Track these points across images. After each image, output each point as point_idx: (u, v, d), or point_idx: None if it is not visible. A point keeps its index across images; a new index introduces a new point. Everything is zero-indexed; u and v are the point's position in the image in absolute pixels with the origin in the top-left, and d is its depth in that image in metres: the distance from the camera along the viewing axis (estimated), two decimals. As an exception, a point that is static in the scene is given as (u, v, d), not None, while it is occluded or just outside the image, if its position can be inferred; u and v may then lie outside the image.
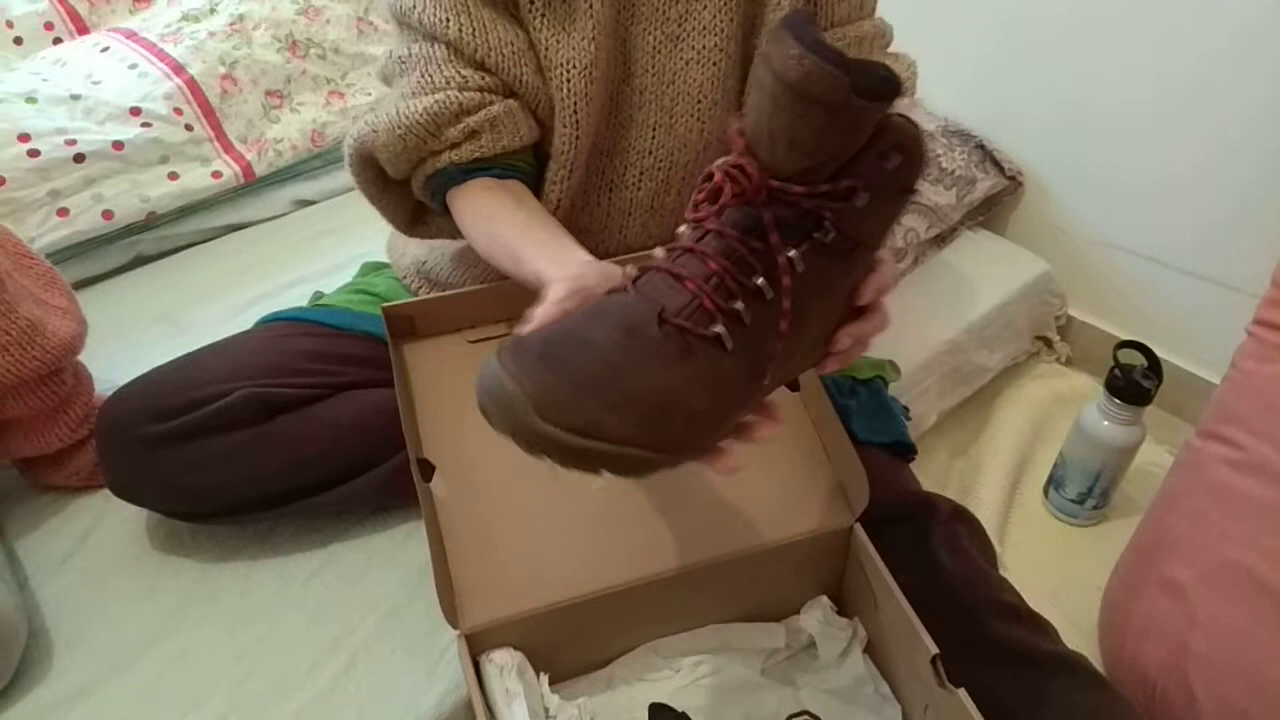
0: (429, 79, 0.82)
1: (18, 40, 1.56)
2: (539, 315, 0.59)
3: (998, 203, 1.65)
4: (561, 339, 0.51)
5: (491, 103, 0.82)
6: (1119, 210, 1.53)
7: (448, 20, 0.80)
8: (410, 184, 0.88)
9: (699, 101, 0.89)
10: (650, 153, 0.91)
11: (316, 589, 0.94)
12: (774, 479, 0.86)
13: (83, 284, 1.35)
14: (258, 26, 1.55)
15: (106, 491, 0.96)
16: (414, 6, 0.82)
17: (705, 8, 0.86)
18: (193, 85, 1.45)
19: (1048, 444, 1.50)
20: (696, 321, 0.53)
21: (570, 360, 0.49)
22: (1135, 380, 1.23)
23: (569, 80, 0.83)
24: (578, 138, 0.86)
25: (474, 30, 0.81)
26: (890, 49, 0.95)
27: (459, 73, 0.81)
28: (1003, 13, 1.53)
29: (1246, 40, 1.27)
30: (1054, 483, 1.39)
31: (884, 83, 0.49)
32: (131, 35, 1.50)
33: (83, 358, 1.01)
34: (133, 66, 1.43)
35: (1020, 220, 1.69)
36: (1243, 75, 1.29)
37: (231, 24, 1.54)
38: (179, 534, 0.99)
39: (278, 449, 0.91)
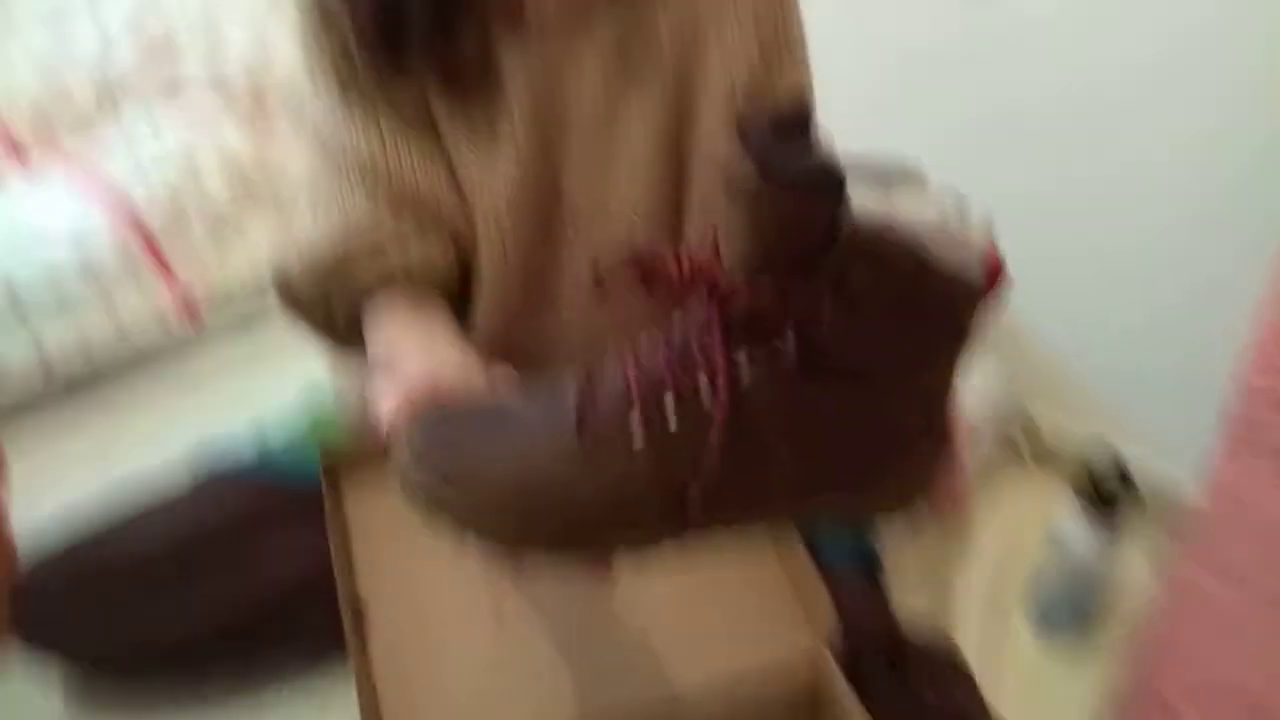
0: (343, 203, 0.81)
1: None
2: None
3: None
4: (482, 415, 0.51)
5: (405, 225, 0.81)
6: (1067, 300, 1.51)
7: (360, 144, 0.80)
8: (332, 306, 0.85)
9: (633, 216, 0.87)
10: (586, 270, 0.89)
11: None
12: (722, 604, 0.81)
13: (18, 435, 1.29)
14: (208, 162, 1.54)
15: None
16: (330, 133, 0.81)
17: (633, 120, 0.84)
18: (138, 219, 1.42)
19: (1022, 555, 1.45)
20: (614, 409, 0.49)
21: (474, 437, 0.49)
22: (1108, 489, 1.20)
23: (490, 202, 0.82)
24: (505, 259, 0.84)
25: (385, 148, 0.80)
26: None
27: (371, 197, 0.80)
28: (932, 108, 1.55)
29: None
30: (1034, 600, 1.34)
31: (812, 174, 0.45)
32: (76, 169, 1.49)
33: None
34: (76, 199, 1.41)
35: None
36: (1191, 156, 1.31)
37: (181, 158, 1.52)
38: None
39: (209, 604, 0.87)
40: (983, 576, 1.41)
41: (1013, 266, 1.45)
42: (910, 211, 0.47)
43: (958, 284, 0.48)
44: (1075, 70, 1.37)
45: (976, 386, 1.52)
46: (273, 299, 0.88)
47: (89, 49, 1.76)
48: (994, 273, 0.50)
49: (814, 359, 0.49)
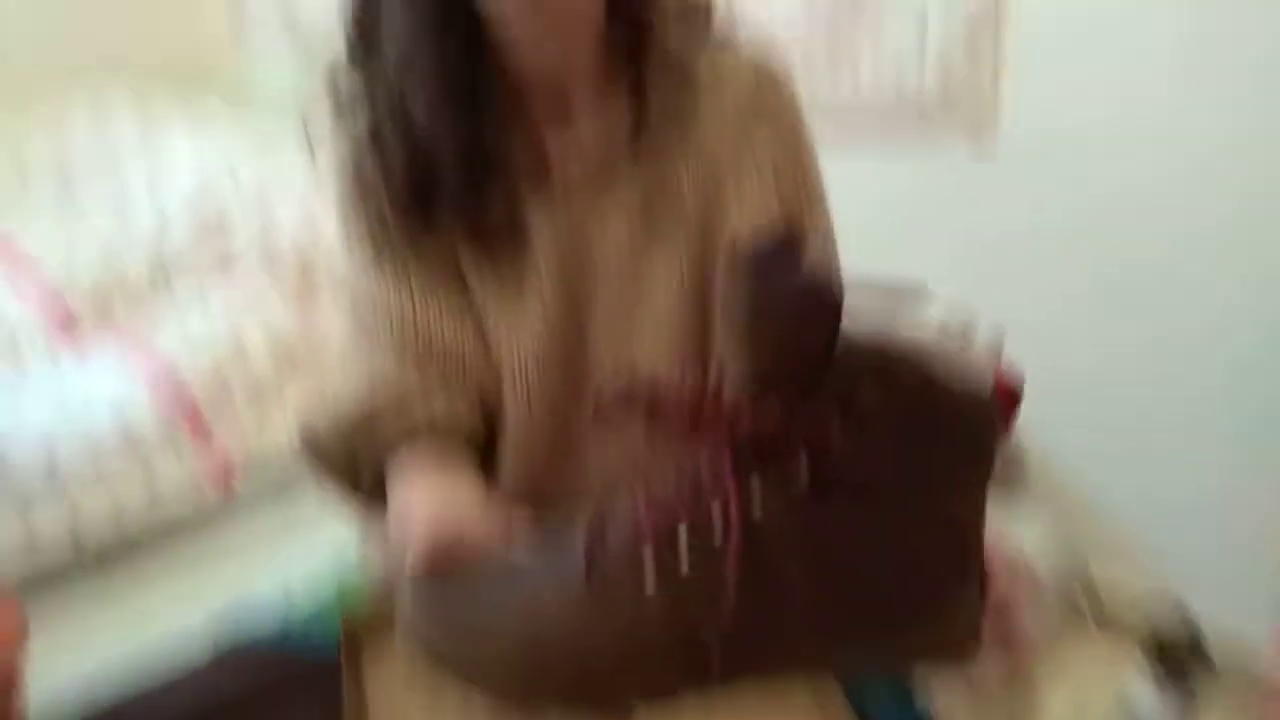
0: (369, 355, 0.82)
1: (14, 348, 1.58)
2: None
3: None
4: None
5: (429, 376, 0.81)
6: (1125, 463, 1.48)
7: (390, 296, 0.81)
8: (358, 463, 0.84)
9: (658, 368, 0.86)
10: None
11: None
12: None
13: (48, 603, 1.27)
14: (255, 340, 1.58)
15: None
16: (362, 294, 0.83)
17: (657, 274, 0.85)
18: (183, 393, 1.45)
19: (1092, 723, 1.35)
20: (624, 549, 0.47)
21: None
22: (1177, 651, 1.12)
23: (518, 356, 0.82)
24: (531, 410, 0.84)
25: (414, 306, 0.81)
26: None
27: (400, 359, 0.81)
28: (994, 286, 1.56)
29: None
30: (1107, 772, 1.24)
31: (804, 291, 0.45)
32: (127, 344, 1.53)
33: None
34: (122, 374, 1.45)
35: (1033, 482, 1.63)
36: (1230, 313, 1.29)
37: (229, 336, 1.57)
38: None
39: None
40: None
41: (1069, 427, 1.40)
42: (913, 328, 0.47)
43: (967, 399, 0.47)
44: (1136, 240, 1.40)
45: (1034, 545, 1.46)
46: (303, 462, 0.88)
47: (146, 229, 1.85)
48: (1006, 392, 0.49)
49: (826, 480, 0.47)
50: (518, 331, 0.82)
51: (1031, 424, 1.56)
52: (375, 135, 0.80)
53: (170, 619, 1.23)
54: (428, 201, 0.79)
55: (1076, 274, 1.47)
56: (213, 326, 1.58)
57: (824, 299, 0.47)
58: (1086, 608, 1.55)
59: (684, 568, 0.46)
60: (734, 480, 0.47)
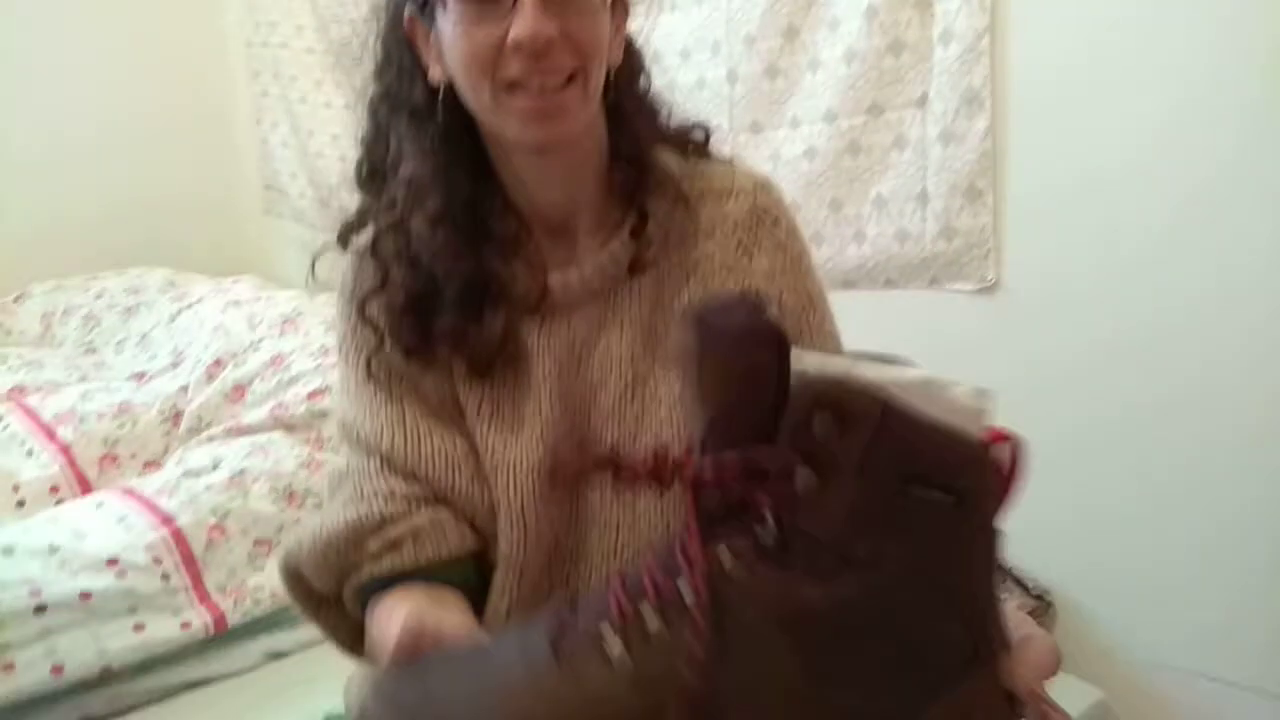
0: (359, 490, 0.80)
1: (20, 503, 1.58)
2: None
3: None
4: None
5: (418, 512, 0.79)
6: (1165, 625, 1.41)
7: (381, 432, 0.80)
8: (340, 595, 0.81)
9: (662, 497, 0.84)
10: (615, 553, 0.84)
11: None
12: None
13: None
14: (257, 480, 1.58)
15: None
16: (354, 421, 0.82)
17: (661, 405, 0.84)
18: (178, 535, 1.43)
19: None
20: (592, 624, 0.44)
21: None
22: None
23: (515, 482, 0.80)
24: (526, 541, 0.80)
25: (405, 440, 0.80)
26: None
27: (387, 484, 0.79)
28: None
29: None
30: None
31: (744, 324, 0.45)
32: (129, 492, 1.52)
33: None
34: (120, 519, 1.43)
35: (1060, 645, 1.54)
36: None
37: (231, 478, 1.56)
38: None
39: None
40: None
41: (1090, 593, 1.34)
42: (885, 375, 0.44)
43: (948, 436, 0.44)
44: (1147, 378, 1.39)
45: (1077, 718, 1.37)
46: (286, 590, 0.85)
47: (165, 396, 1.88)
48: (1001, 440, 0.46)
49: (797, 540, 0.44)
50: (517, 456, 0.81)
51: (1054, 580, 1.52)
52: (380, 265, 0.82)
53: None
54: (426, 330, 0.80)
55: (1082, 415, 1.45)
56: (218, 479, 1.57)
57: (765, 326, 0.46)
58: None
59: (651, 628, 0.44)
60: (701, 547, 0.44)
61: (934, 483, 0.44)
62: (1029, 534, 1.50)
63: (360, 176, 0.87)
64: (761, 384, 0.44)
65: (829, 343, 0.89)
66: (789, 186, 1.64)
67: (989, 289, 1.53)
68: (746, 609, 0.43)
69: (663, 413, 0.84)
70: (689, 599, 0.43)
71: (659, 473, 0.48)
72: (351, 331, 0.84)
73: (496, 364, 0.81)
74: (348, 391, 0.85)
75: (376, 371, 0.82)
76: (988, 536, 0.47)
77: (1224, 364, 1.31)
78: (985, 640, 0.47)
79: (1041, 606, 1.51)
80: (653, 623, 0.44)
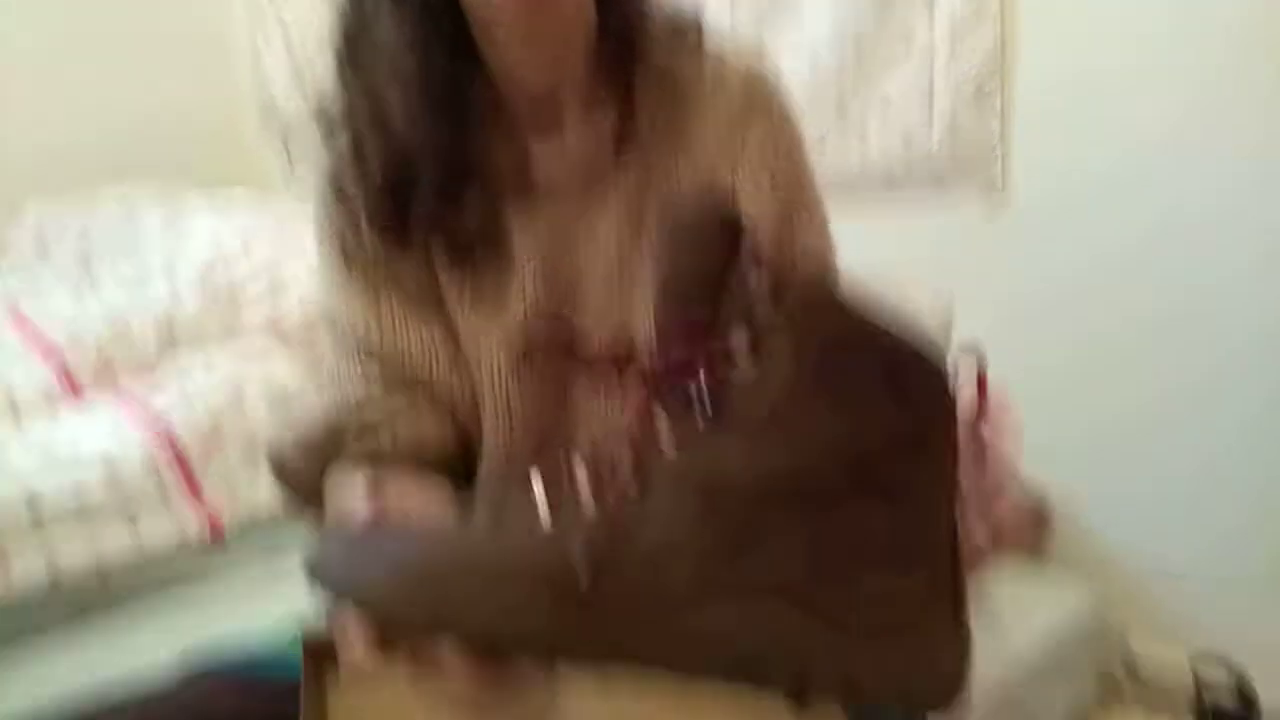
0: (337, 377, 0.80)
1: (14, 410, 1.57)
2: None
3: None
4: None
5: (394, 398, 0.79)
6: (1163, 530, 1.41)
7: (358, 320, 0.80)
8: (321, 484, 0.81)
9: (623, 384, 0.83)
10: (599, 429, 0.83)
11: None
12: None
13: (18, 641, 1.22)
14: (253, 387, 1.57)
15: None
16: (333, 307, 0.82)
17: (648, 288, 0.81)
18: (173, 441, 1.42)
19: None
20: (528, 495, 0.45)
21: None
22: (1226, 709, 1.02)
23: (498, 368, 0.79)
24: (511, 429, 0.80)
25: (382, 329, 0.79)
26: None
27: (364, 371, 0.79)
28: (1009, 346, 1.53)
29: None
30: None
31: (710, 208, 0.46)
32: (123, 397, 1.52)
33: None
34: (115, 425, 1.43)
35: (1060, 550, 1.55)
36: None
37: (226, 386, 1.55)
38: None
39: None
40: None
41: (1097, 486, 1.35)
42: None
43: (899, 324, 0.43)
44: (1154, 288, 1.39)
45: (1068, 617, 1.38)
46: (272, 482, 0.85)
47: (158, 301, 1.86)
48: (979, 381, 0.45)
49: (728, 405, 0.43)
50: (500, 339, 0.79)
51: (1059, 485, 1.53)
52: (356, 148, 0.79)
53: (146, 660, 1.17)
54: (404, 213, 0.78)
55: (1092, 326, 1.43)
56: (212, 384, 1.56)
57: (725, 211, 0.46)
58: (1126, 682, 1.45)
59: (582, 497, 0.44)
60: (642, 414, 0.44)
61: (873, 367, 0.43)
62: (1029, 442, 1.52)
63: (337, 61, 0.83)
64: (710, 245, 0.45)
65: (819, 229, 0.87)
66: (793, 87, 1.59)
67: (995, 194, 1.49)
68: (670, 476, 0.43)
69: (648, 302, 0.82)
70: (623, 470, 0.43)
71: (618, 358, 0.49)
72: (326, 212, 0.82)
73: (478, 248, 0.79)
74: (326, 278, 0.84)
75: (353, 255, 0.80)
76: (933, 438, 0.44)
77: (1235, 273, 1.29)
78: (920, 542, 0.44)
79: (1038, 514, 1.51)
80: (583, 490, 0.44)
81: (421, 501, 0.67)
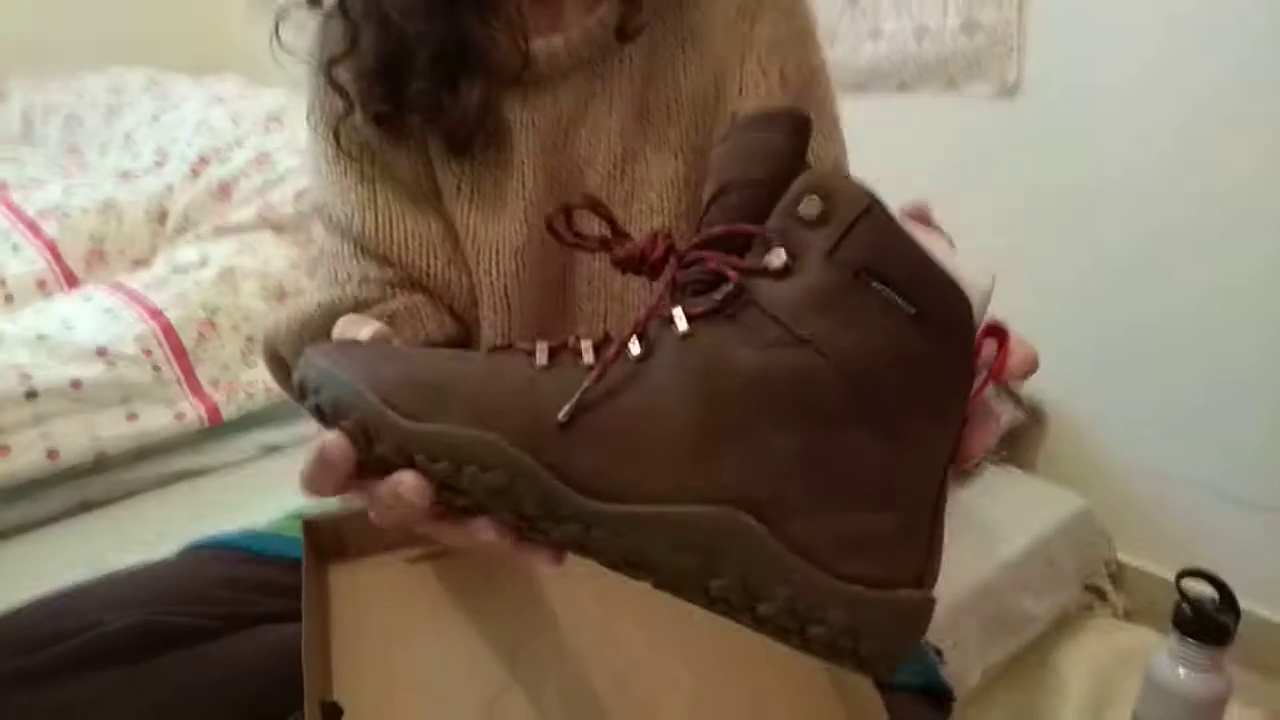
0: (333, 274, 0.78)
1: (8, 298, 1.56)
2: None
3: (1017, 440, 1.54)
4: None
5: (392, 297, 0.77)
6: (1157, 439, 1.41)
7: (353, 214, 0.77)
8: None
9: (649, 287, 0.81)
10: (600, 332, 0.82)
11: None
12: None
13: (20, 530, 1.24)
14: (246, 278, 1.55)
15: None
16: (326, 202, 0.79)
17: (651, 188, 0.80)
18: (168, 328, 1.41)
19: (1117, 708, 1.27)
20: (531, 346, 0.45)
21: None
22: (1208, 613, 1.04)
23: (497, 264, 0.77)
24: (510, 327, 0.78)
25: (379, 224, 0.77)
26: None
27: (361, 268, 0.77)
28: (1011, 247, 1.51)
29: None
30: (1132, 750, 1.15)
31: (776, 111, 0.44)
32: (118, 286, 1.50)
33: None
34: (108, 311, 1.42)
35: (1049, 456, 1.56)
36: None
37: (221, 274, 1.54)
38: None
39: (161, 691, 0.74)
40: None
41: (1093, 396, 1.34)
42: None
43: (926, 260, 0.41)
44: (1170, 195, 1.35)
45: (1056, 527, 1.39)
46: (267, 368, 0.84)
47: (151, 194, 1.82)
48: (994, 329, 0.43)
49: (749, 309, 0.42)
50: (499, 238, 0.77)
51: (1059, 393, 1.52)
52: (350, 38, 0.76)
53: (148, 550, 1.19)
54: (399, 100, 0.75)
55: (1102, 234, 1.41)
56: (207, 275, 1.54)
57: (794, 115, 0.44)
58: (1111, 591, 1.48)
59: (584, 358, 0.43)
60: (659, 298, 0.44)
61: (897, 286, 0.41)
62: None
63: None
64: (769, 163, 0.44)
65: (831, 123, 0.84)
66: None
67: (1009, 92, 1.45)
68: (674, 354, 0.42)
69: (653, 195, 0.80)
70: (622, 335, 0.43)
71: (650, 254, 0.47)
72: (320, 100, 0.80)
73: (476, 139, 0.77)
74: (318, 170, 0.81)
75: (347, 146, 0.78)
76: (948, 380, 0.42)
77: (1255, 184, 1.25)
78: (909, 489, 0.42)
79: (1029, 420, 1.52)
80: (586, 355, 0.43)
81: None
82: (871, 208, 0.41)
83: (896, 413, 0.41)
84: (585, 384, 0.40)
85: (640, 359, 0.42)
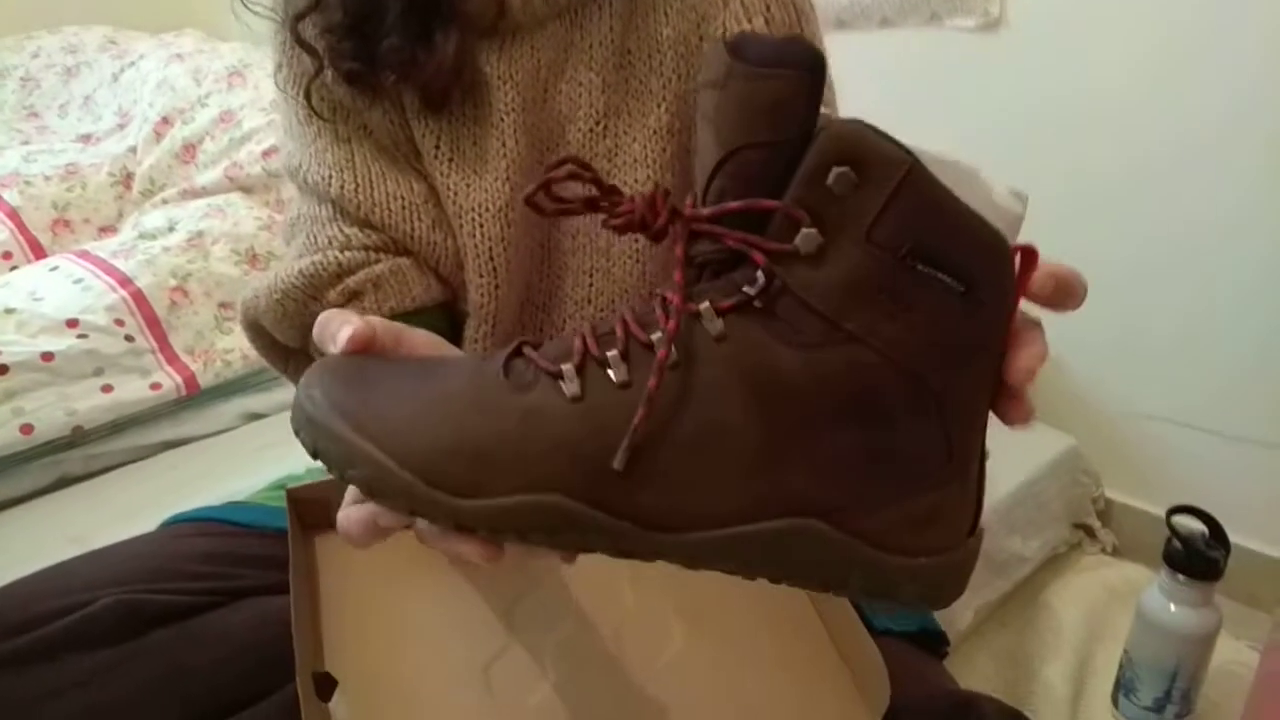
0: (312, 240, 0.75)
1: (-28, 270, 1.52)
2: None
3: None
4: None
5: (376, 262, 0.74)
6: (1143, 375, 1.41)
7: (330, 177, 0.74)
8: (301, 335, 0.77)
9: (638, 240, 0.78)
10: (589, 301, 0.80)
11: None
12: (768, 678, 0.67)
13: (-1, 506, 1.22)
14: (216, 241, 1.51)
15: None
16: (300, 165, 0.76)
17: (635, 140, 0.77)
18: (139, 297, 1.38)
19: (1107, 644, 1.28)
20: (552, 361, 0.41)
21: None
22: (1198, 549, 1.04)
23: (481, 226, 0.74)
24: (496, 288, 0.76)
25: (358, 186, 0.74)
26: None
27: (341, 232, 0.74)
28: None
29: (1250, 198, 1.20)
30: (1123, 688, 1.16)
31: (785, 49, 0.37)
32: (84, 254, 1.46)
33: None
34: (77, 281, 1.38)
35: (1040, 397, 1.56)
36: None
37: (190, 240, 1.50)
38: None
39: (149, 670, 0.73)
40: (1065, 665, 1.24)
41: (1070, 342, 1.31)
42: (922, 148, 0.38)
43: (974, 225, 0.38)
44: (1135, 149, 1.33)
45: (1045, 466, 1.40)
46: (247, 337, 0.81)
47: (114, 157, 1.77)
48: (1023, 251, 0.41)
49: (786, 301, 0.39)
50: (481, 198, 0.74)
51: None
52: None
53: (127, 521, 1.18)
54: (371, 55, 0.71)
55: (1085, 165, 1.39)
56: (176, 241, 1.50)
57: (802, 50, 0.38)
58: (1100, 528, 1.49)
59: (616, 378, 0.40)
60: (681, 294, 0.39)
61: (946, 265, 0.38)
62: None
63: None
64: (784, 122, 0.38)
65: None
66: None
67: (992, 25, 1.42)
68: (717, 363, 0.39)
69: (637, 149, 0.78)
70: (660, 349, 0.39)
71: (651, 219, 0.41)
72: (287, 58, 0.76)
73: (452, 95, 0.74)
74: (290, 131, 0.78)
75: (319, 106, 0.75)
76: (992, 341, 0.41)
77: (1236, 109, 1.23)
78: (964, 454, 0.41)
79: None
80: (618, 371, 0.40)
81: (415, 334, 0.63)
82: (912, 170, 0.37)
83: (947, 387, 0.40)
84: (634, 422, 0.38)
85: (674, 366, 0.39)
